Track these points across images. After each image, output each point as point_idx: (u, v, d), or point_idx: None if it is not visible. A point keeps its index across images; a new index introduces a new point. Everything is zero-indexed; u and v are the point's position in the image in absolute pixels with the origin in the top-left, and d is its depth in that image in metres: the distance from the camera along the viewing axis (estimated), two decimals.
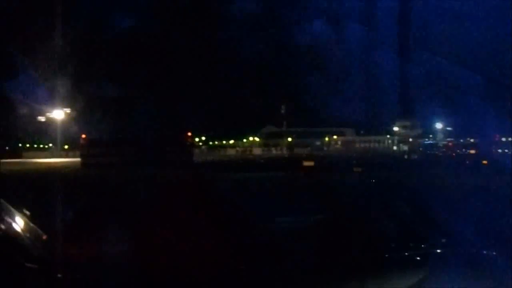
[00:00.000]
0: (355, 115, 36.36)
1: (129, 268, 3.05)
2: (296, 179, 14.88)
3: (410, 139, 36.09)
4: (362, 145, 36.42)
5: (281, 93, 38.07)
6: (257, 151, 35.18)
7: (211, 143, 42.26)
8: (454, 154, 32.53)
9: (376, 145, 36.89)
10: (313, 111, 36.44)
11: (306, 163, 19.40)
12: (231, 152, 34.58)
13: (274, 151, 35.18)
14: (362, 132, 40.95)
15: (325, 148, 37.99)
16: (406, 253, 5.11)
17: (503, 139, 41.08)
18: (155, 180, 14.20)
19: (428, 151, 35.25)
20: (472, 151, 32.87)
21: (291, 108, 36.77)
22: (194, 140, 29.42)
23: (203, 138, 41.76)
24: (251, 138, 42.81)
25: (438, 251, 5.07)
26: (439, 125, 39.35)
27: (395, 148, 36.09)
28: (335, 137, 36.97)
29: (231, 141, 42.48)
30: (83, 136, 23.10)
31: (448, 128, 41.02)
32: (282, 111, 34.68)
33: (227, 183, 13.43)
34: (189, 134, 22.67)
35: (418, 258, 4.87)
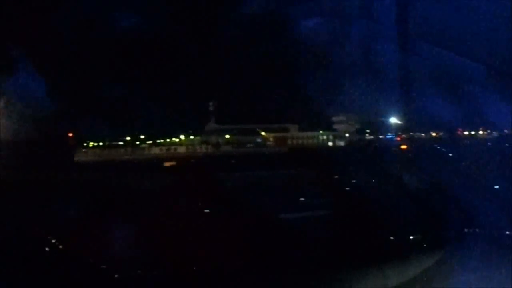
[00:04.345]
0: (302, 111, 35.51)
1: None
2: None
3: (347, 134, 35.20)
4: (295, 141, 35.45)
5: (225, 89, 37.29)
6: (181, 149, 34.30)
7: (158, 141, 41.54)
8: (373, 148, 31.58)
9: (310, 141, 35.95)
10: (258, 107, 35.64)
11: (166, 164, 18.65)
12: (156, 151, 33.71)
13: (198, 150, 34.32)
14: (314, 128, 40.06)
15: (281, 145, 37.19)
16: (422, 237, 4.77)
17: (466, 132, 40.31)
18: None
19: (369, 146, 34.33)
20: (403, 146, 32.02)
21: (233, 104, 35.98)
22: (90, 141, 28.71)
23: (142, 137, 41.12)
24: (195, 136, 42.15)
25: (454, 233, 4.72)
26: (393, 120, 38.30)
27: (330, 144, 35.19)
28: (263, 133, 36.09)
29: (175, 139, 41.78)
30: None
31: (399, 122, 40.13)
32: (211, 108, 33.89)
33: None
34: (70, 135, 21.99)
35: (433, 240, 4.52)
